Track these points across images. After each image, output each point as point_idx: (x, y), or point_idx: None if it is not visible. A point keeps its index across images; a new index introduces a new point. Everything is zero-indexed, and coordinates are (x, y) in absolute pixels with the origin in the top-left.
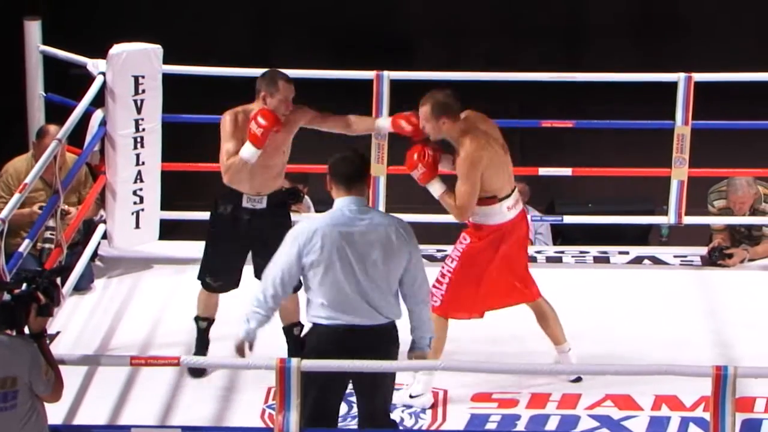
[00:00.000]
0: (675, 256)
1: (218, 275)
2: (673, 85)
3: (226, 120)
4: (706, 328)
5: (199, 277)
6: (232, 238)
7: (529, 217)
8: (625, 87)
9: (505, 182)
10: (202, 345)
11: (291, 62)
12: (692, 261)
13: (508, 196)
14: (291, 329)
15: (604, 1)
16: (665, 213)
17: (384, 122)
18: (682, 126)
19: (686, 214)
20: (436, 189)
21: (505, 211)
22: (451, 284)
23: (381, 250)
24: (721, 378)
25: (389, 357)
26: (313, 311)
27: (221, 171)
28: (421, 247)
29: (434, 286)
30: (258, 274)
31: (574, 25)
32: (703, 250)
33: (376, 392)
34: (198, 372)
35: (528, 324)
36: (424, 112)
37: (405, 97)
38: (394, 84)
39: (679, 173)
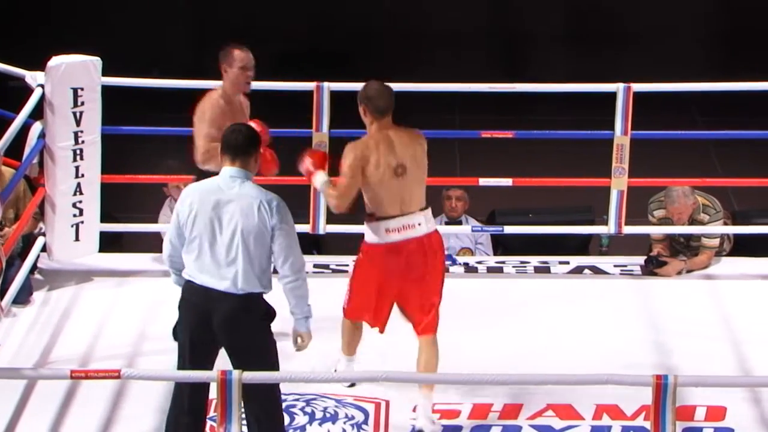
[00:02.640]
0: (615, 266)
1: None
2: (612, 96)
3: (206, 104)
4: (646, 338)
5: None
6: None
7: (469, 227)
8: (565, 97)
9: (387, 205)
10: None
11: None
12: (632, 270)
13: (390, 218)
14: None
15: (544, 12)
16: (605, 223)
17: None
18: (621, 136)
19: (626, 224)
20: (318, 179)
21: (383, 233)
22: (350, 290)
23: (242, 221)
24: (661, 387)
25: (244, 326)
26: (185, 267)
27: (196, 152)
28: None
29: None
30: None
31: (514, 35)
32: (643, 260)
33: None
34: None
35: (470, 336)
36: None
37: (345, 107)
38: (334, 95)
39: (619, 183)
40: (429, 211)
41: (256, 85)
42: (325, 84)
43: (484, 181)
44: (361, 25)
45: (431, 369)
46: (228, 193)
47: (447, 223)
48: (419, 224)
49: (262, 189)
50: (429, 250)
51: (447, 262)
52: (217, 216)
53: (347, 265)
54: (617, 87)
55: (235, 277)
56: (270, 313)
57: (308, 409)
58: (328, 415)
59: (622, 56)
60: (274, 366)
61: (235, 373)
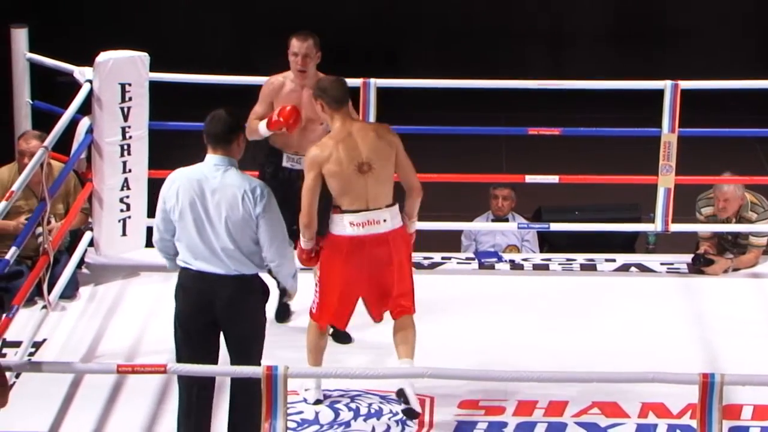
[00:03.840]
0: (662, 264)
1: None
2: (659, 93)
3: (264, 85)
4: (692, 336)
5: None
6: (278, 199)
7: (515, 224)
8: (613, 94)
9: (352, 199)
10: None
11: (277, 69)
12: (679, 268)
13: (354, 212)
14: None
15: (591, 9)
16: (652, 220)
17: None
18: (668, 133)
19: (673, 222)
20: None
21: (347, 225)
22: (318, 291)
23: (227, 211)
24: (708, 385)
25: (245, 307)
26: (179, 254)
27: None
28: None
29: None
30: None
31: (560, 32)
32: (690, 258)
33: (239, 348)
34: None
35: (516, 333)
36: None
37: (391, 104)
38: (381, 91)
39: (666, 181)
40: (396, 207)
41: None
42: (372, 80)
43: (530, 178)
44: (407, 22)
45: (410, 343)
46: (212, 181)
47: (493, 221)
48: (384, 220)
49: (246, 176)
50: (394, 246)
51: (493, 259)
52: (203, 205)
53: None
54: (665, 84)
55: (228, 261)
56: (266, 291)
57: (353, 405)
58: (372, 411)
59: (667, 54)
60: (261, 344)
61: (281, 368)
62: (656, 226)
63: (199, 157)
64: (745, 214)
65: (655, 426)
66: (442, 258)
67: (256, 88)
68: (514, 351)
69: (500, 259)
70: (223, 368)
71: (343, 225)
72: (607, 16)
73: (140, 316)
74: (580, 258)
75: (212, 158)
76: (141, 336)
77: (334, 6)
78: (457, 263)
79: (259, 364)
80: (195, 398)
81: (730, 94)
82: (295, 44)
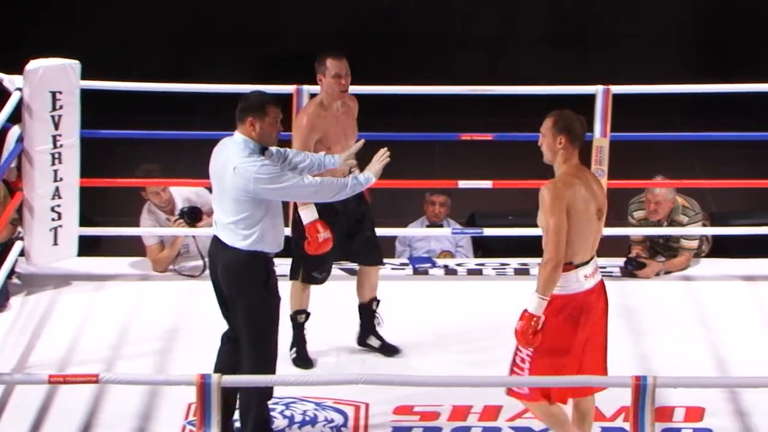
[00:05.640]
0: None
1: (324, 267)
2: (591, 98)
3: (302, 116)
4: (625, 339)
5: (302, 275)
6: (332, 226)
7: (449, 230)
8: (544, 99)
9: (587, 248)
10: (302, 339)
11: (211, 77)
12: (611, 272)
13: (586, 263)
14: (370, 304)
15: (528, 15)
16: None
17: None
18: (600, 138)
19: (605, 226)
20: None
21: (582, 279)
22: (532, 370)
23: (220, 180)
24: (640, 388)
25: (235, 278)
26: None
27: None
28: None
29: (513, 371)
30: (353, 256)
31: (495, 38)
32: (622, 261)
33: (233, 312)
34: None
35: (451, 338)
36: (546, 124)
37: None
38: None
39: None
40: None
41: (236, 88)
42: (305, 87)
43: (463, 184)
44: (340, 29)
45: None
46: (225, 153)
47: (428, 226)
48: (598, 267)
49: (244, 154)
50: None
51: (427, 265)
52: (214, 173)
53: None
54: (596, 89)
55: (222, 230)
56: (266, 274)
57: (287, 413)
58: (307, 418)
59: (602, 58)
60: (260, 329)
61: (214, 377)
62: None
63: (133, 165)
64: (677, 217)
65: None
66: None
67: (190, 96)
68: (449, 356)
69: (434, 265)
70: (153, 377)
71: (579, 281)
72: (544, 21)
73: (72, 326)
74: (514, 262)
75: (234, 133)
76: (73, 346)
77: (270, 14)
78: (392, 269)
79: (261, 349)
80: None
81: (663, 98)
82: (337, 65)
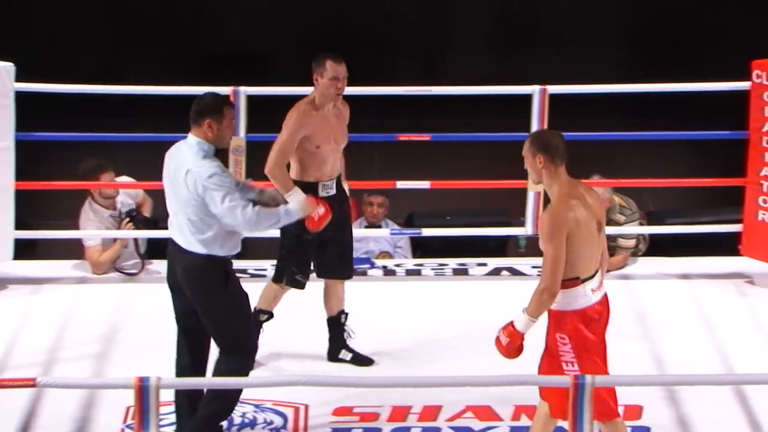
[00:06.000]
0: (533, 267)
1: (306, 271)
2: (528, 98)
3: (293, 114)
4: None
5: (286, 279)
6: (313, 232)
7: (388, 230)
8: (482, 99)
9: (591, 262)
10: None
11: (146, 79)
12: None
13: (592, 277)
14: (339, 317)
15: (461, 15)
16: (522, 224)
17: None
18: None
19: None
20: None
21: (590, 293)
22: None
23: (174, 184)
24: (578, 386)
25: (191, 280)
26: None
27: (269, 159)
28: None
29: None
30: (322, 271)
31: (431, 38)
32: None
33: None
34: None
35: (390, 338)
36: (525, 146)
37: (261, 112)
38: (251, 99)
39: (535, 185)
40: None
41: (171, 90)
42: (242, 89)
43: (401, 184)
44: (278, 30)
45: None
46: (179, 156)
47: (366, 227)
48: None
49: (198, 157)
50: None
51: (365, 266)
52: (168, 176)
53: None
54: (533, 89)
55: (179, 234)
56: (224, 275)
57: None
58: (246, 420)
59: (540, 59)
60: (227, 331)
61: (152, 379)
62: (526, 230)
63: (69, 167)
64: (613, 216)
65: (528, 428)
66: None
67: (124, 98)
68: (388, 357)
69: (372, 266)
70: (91, 381)
71: (587, 295)
72: (482, 23)
73: (8, 330)
74: (453, 263)
75: (188, 136)
76: (10, 350)
77: (203, 15)
78: None
79: (233, 345)
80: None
81: (600, 98)
82: (336, 68)
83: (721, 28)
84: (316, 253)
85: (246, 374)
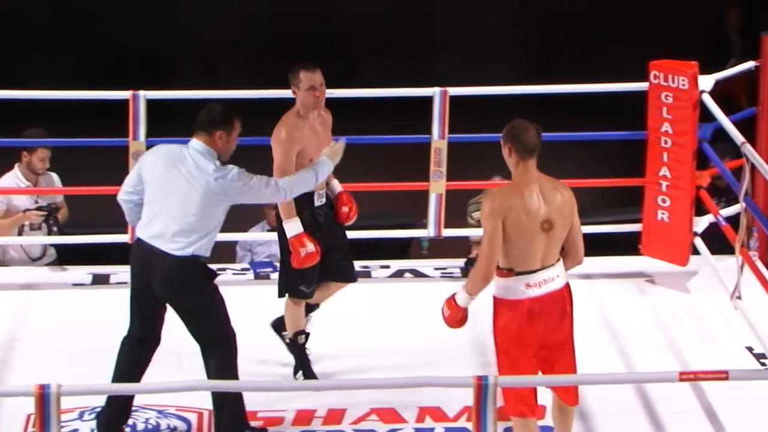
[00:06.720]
0: (435, 269)
1: (311, 281)
2: (429, 100)
3: (282, 128)
4: (467, 340)
5: (289, 291)
6: (325, 243)
7: None
8: (383, 102)
9: (531, 258)
10: (307, 360)
11: (45, 84)
12: (452, 273)
13: (530, 272)
14: (313, 308)
15: (363, 17)
16: (425, 226)
17: (336, 187)
18: (438, 140)
19: (445, 227)
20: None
21: (523, 288)
22: (500, 371)
23: (177, 189)
24: (481, 387)
25: (173, 283)
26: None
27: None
28: None
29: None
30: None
31: (335, 41)
32: (463, 262)
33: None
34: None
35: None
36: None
37: (161, 116)
38: (151, 103)
39: (437, 186)
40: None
41: (69, 94)
42: (141, 93)
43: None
44: (176, 35)
45: None
46: (184, 162)
47: (269, 231)
48: (558, 276)
49: (213, 162)
50: (569, 301)
51: (268, 269)
52: (167, 181)
53: None
54: (433, 91)
55: (172, 241)
56: (210, 275)
57: (129, 421)
58: (149, 426)
59: (440, 61)
60: (211, 324)
61: (53, 386)
62: (429, 232)
63: None
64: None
65: (432, 429)
66: (218, 269)
67: (24, 103)
68: (291, 360)
69: (275, 269)
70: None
71: (519, 288)
72: (377, 25)
73: None
74: (355, 265)
75: (193, 141)
76: None
77: (104, 19)
78: (233, 274)
79: (216, 337)
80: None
81: (501, 99)
82: (311, 77)
83: (619, 29)
84: (321, 258)
85: (234, 359)
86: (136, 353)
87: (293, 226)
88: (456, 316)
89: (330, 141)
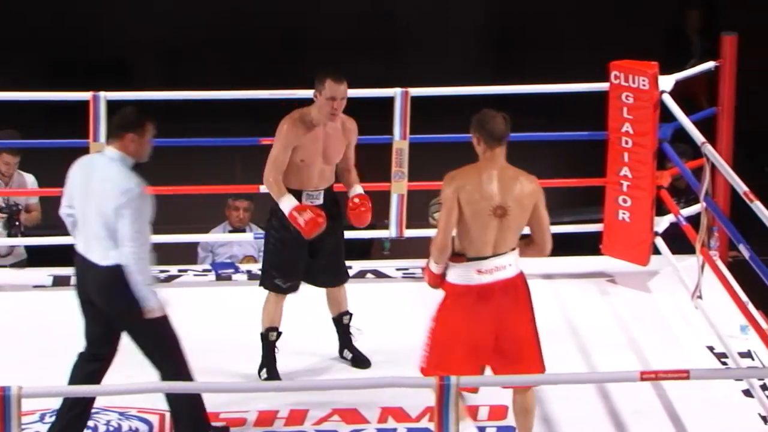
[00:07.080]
0: (397, 269)
1: (287, 276)
2: (390, 101)
3: (284, 125)
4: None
5: (265, 283)
6: (298, 236)
7: (251, 235)
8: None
9: (482, 244)
10: (273, 359)
11: (3, 85)
12: (414, 273)
13: (482, 259)
14: (341, 318)
15: (324, 19)
16: (387, 227)
17: (356, 189)
18: (400, 140)
19: (407, 227)
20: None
21: (474, 274)
22: (431, 345)
23: (95, 196)
24: (443, 388)
25: (106, 293)
26: None
27: (265, 168)
28: None
29: (422, 353)
30: (313, 279)
31: (295, 41)
32: (425, 262)
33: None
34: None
35: (256, 343)
36: None
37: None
38: (111, 104)
39: (399, 187)
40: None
41: (28, 95)
42: (102, 93)
43: (265, 188)
44: (137, 35)
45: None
46: (100, 169)
47: (230, 231)
48: (510, 265)
49: (125, 173)
50: (522, 291)
51: (230, 270)
52: (87, 190)
53: None
54: (395, 92)
55: (100, 250)
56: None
57: (90, 423)
58: (111, 428)
59: (401, 62)
60: (155, 335)
61: (14, 388)
62: (391, 232)
63: None
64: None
65: (395, 430)
66: (179, 270)
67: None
68: (255, 361)
69: (237, 270)
70: None
71: (470, 273)
72: (344, 25)
73: None
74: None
75: (106, 149)
76: None
77: (62, 18)
78: (194, 275)
79: (165, 356)
80: None
81: (462, 99)
82: (334, 88)
83: (582, 29)
84: (307, 261)
85: (183, 360)
86: (89, 368)
87: (286, 203)
88: (435, 280)
89: (338, 152)
